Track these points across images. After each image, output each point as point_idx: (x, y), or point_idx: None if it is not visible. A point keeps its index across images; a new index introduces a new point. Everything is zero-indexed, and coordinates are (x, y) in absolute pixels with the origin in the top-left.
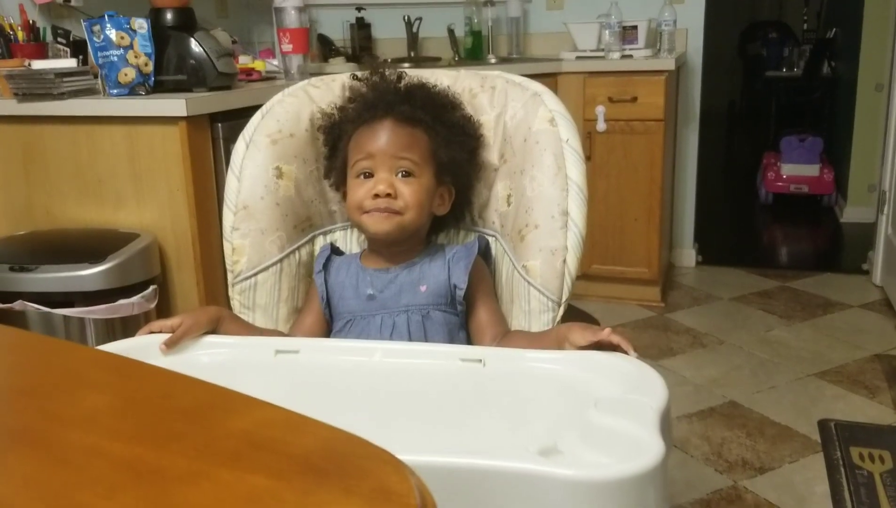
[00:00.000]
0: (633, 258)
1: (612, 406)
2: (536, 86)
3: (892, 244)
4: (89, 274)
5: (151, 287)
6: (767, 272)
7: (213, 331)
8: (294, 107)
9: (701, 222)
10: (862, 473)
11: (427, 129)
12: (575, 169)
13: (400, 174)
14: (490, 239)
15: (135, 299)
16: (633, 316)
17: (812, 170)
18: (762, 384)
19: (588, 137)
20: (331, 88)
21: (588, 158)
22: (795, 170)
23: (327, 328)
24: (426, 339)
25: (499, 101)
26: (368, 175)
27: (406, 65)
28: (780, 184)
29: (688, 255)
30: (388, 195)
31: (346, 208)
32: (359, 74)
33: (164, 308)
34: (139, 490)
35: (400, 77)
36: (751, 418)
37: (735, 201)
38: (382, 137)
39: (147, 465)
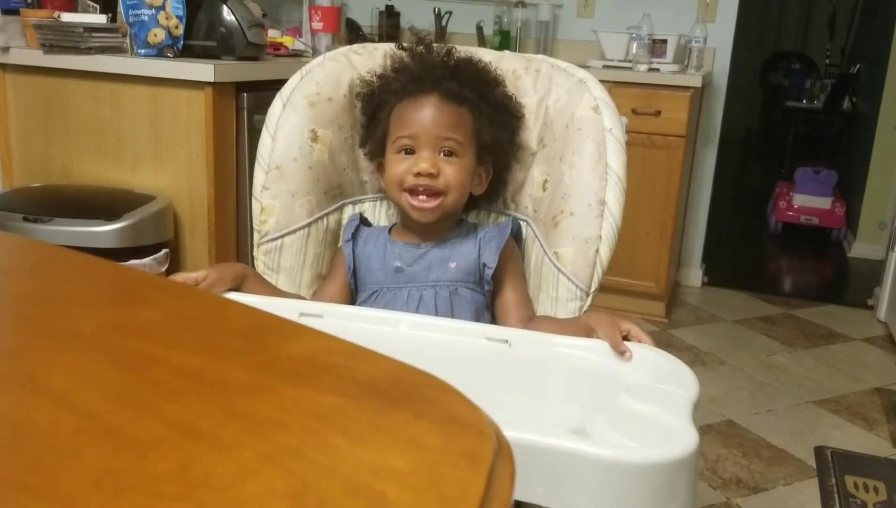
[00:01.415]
0: (641, 272)
1: (643, 394)
2: (582, 73)
3: None
4: (103, 231)
5: (164, 250)
6: (772, 299)
7: (237, 288)
8: (335, 71)
9: (710, 243)
10: (856, 502)
11: (472, 107)
12: (616, 159)
13: (442, 153)
14: (521, 223)
15: (146, 260)
16: None
17: (824, 202)
18: (761, 406)
19: None
20: (373, 56)
21: None
22: (807, 201)
23: (350, 298)
24: (452, 315)
25: (542, 84)
26: (410, 151)
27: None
28: (791, 213)
29: (694, 274)
30: (431, 175)
31: (383, 181)
32: (405, 44)
33: (174, 272)
34: (203, 396)
35: (449, 52)
36: (748, 438)
37: (745, 226)
38: (427, 114)
39: (209, 374)
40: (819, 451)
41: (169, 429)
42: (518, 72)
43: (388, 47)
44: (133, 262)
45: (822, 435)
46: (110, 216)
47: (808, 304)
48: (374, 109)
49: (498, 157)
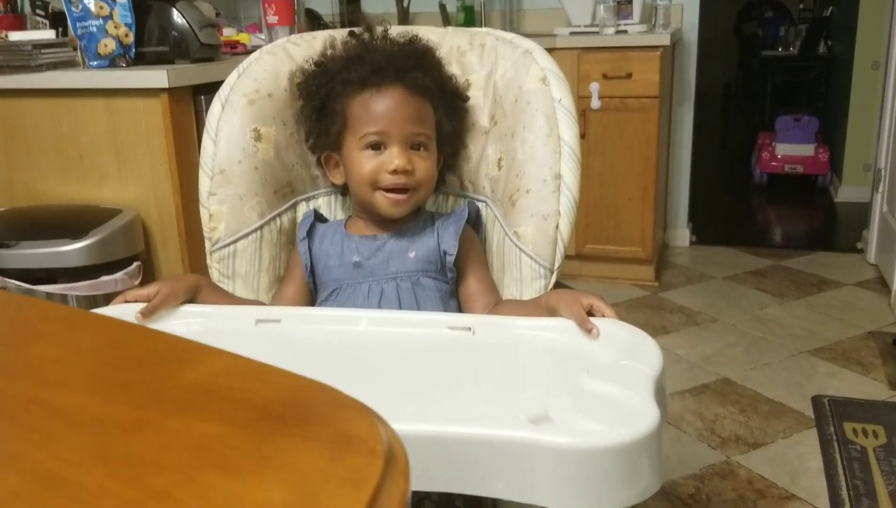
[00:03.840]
0: (627, 238)
1: (605, 372)
2: (528, 43)
3: (887, 222)
4: (71, 250)
5: (135, 264)
6: (761, 252)
7: (192, 300)
8: (272, 65)
9: (695, 202)
10: (855, 448)
11: (433, 97)
12: (568, 130)
13: (412, 147)
14: (480, 205)
15: (118, 275)
16: (627, 295)
17: (807, 150)
18: (755, 361)
19: (582, 115)
20: (312, 45)
21: (582, 136)
22: (790, 150)
23: (311, 298)
24: (418, 306)
25: (489, 59)
26: (377, 146)
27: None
28: (775, 164)
29: (682, 235)
30: (407, 171)
31: (335, 175)
32: (355, 30)
33: (145, 284)
34: (76, 439)
35: (413, 40)
36: (744, 394)
37: (729, 181)
38: (396, 108)
39: (88, 414)
40: (816, 400)
41: (30, 481)
42: (463, 48)
43: (328, 35)
44: (105, 278)
45: (819, 384)
46: (77, 234)
47: (798, 253)
48: (323, 100)
49: (454, 144)
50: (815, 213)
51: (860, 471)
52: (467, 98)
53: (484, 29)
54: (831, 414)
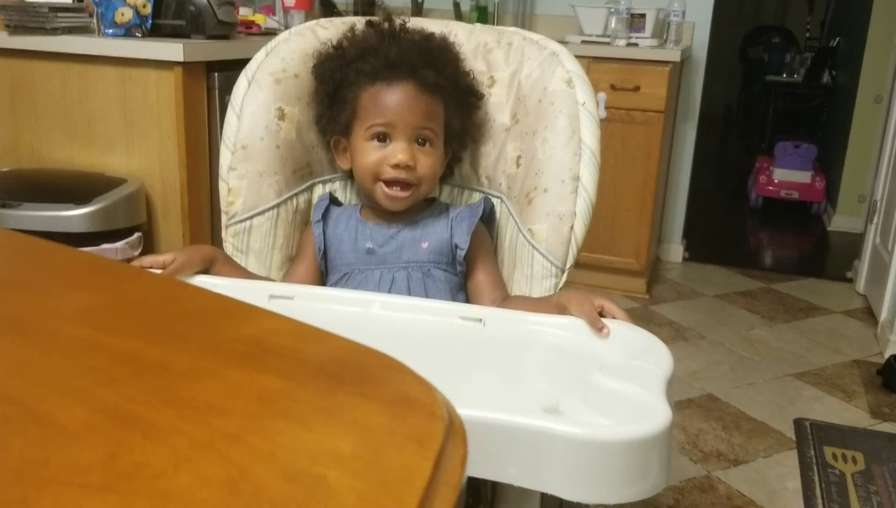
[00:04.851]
0: (622, 249)
1: (618, 371)
2: (554, 45)
3: (879, 254)
4: (74, 215)
5: (136, 234)
6: (753, 273)
7: (206, 271)
8: (301, 46)
9: (690, 219)
10: (834, 472)
11: (445, 95)
12: (589, 133)
13: (417, 142)
14: (495, 201)
15: (119, 244)
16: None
17: (804, 177)
18: (741, 380)
19: None
20: (340, 29)
21: None
22: (787, 176)
23: (320, 280)
24: (427, 296)
25: (515, 58)
26: (383, 138)
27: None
28: (771, 188)
29: (675, 250)
30: (408, 167)
31: (343, 161)
32: (374, 20)
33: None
34: (141, 381)
35: (428, 38)
36: (728, 412)
37: (725, 201)
38: (405, 103)
39: (148, 359)
40: (798, 423)
41: (101, 417)
42: (490, 45)
43: (357, 21)
44: (105, 246)
45: (802, 407)
46: (81, 200)
47: (789, 278)
48: (336, 86)
49: (462, 141)
50: (807, 239)
51: (837, 495)
52: (482, 95)
53: (512, 28)
54: (812, 438)
